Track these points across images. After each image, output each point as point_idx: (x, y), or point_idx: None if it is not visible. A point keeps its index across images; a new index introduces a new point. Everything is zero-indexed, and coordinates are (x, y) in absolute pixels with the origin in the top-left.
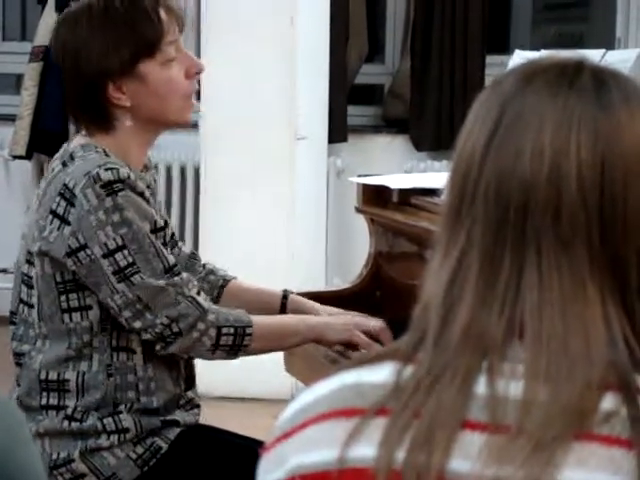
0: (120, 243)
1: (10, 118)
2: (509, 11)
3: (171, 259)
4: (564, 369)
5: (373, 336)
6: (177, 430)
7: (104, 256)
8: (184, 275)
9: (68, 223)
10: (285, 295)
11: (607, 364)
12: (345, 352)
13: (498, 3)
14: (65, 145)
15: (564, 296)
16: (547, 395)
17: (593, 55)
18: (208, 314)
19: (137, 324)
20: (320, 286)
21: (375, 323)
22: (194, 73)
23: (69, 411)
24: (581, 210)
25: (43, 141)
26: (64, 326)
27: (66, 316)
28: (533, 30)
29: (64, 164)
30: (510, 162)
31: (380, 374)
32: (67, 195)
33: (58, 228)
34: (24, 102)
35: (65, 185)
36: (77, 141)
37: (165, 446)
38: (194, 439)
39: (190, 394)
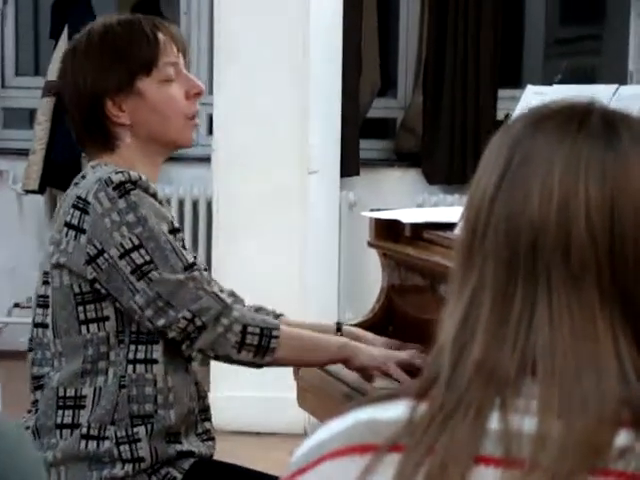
0: (136, 242)
1: (23, 153)
2: (521, 45)
3: (190, 257)
4: (577, 405)
5: (405, 367)
6: (191, 460)
7: (121, 256)
8: (204, 272)
9: (83, 231)
10: (339, 327)
11: (620, 400)
12: (359, 387)
13: (510, 37)
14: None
15: (575, 333)
16: (561, 430)
17: (606, 90)
18: (232, 310)
19: (160, 322)
20: (332, 319)
21: (406, 354)
22: (194, 94)
23: (84, 429)
24: (590, 250)
25: (56, 175)
26: (80, 338)
27: (83, 327)
28: (545, 64)
29: (76, 184)
30: (519, 203)
31: (394, 411)
32: (81, 205)
33: (75, 238)
34: (37, 137)
35: (78, 197)
36: (88, 166)
37: (179, 476)
38: (208, 470)
39: (207, 425)
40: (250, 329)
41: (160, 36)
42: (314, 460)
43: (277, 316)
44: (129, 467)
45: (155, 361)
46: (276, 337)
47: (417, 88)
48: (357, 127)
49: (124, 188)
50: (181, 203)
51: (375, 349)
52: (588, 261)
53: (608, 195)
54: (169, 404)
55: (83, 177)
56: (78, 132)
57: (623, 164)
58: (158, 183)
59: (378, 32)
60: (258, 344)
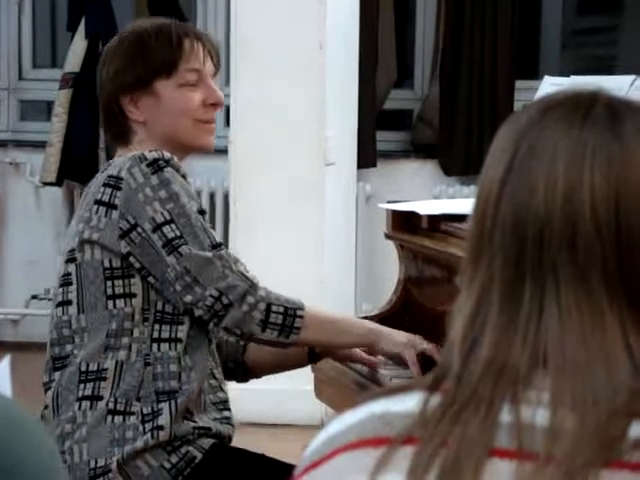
0: (168, 217)
1: (41, 145)
2: (538, 36)
3: (217, 237)
4: (589, 397)
5: (428, 356)
6: (211, 441)
7: (153, 230)
8: (231, 252)
9: (115, 207)
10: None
11: (632, 392)
12: (374, 377)
13: (527, 28)
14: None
15: (584, 326)
16: (574, 422)
17: (624, 81)
18: (258, 288)
19: (188, 298)
20: (350, 311)
21: (430, 345)
22: (210, 104)
23: (111, 404)
24: (596, 241)
25: (73, 168)
26: (107, 312)
27: (110, 302)
28: (562, 55)
29: (103, 171)
30: (525, 196)
31: (407, 403)
32: (112, 182)
33: (106, 214)
34: (54, 129)
35: (109, 175)
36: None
37: (200, 455)
38: (227, 454)
39: (227, 413)
40: (274, 307)
41: (186, 42)
42: (327, 453)
43: None
44: (148, 436)
45: (180, 340)
46: (300, 317)
47: (434, 79)
48: (374, 119)
49: (157, 165)
50: (198, 195)
51: (399, 335)
52: (594, 253)
53: (613, 186)
54: (191, 379)
55: (110, 164)
56: (103, 122)
57: (628, 154)
58: None
59: (395, 23)
60: (282, 323)
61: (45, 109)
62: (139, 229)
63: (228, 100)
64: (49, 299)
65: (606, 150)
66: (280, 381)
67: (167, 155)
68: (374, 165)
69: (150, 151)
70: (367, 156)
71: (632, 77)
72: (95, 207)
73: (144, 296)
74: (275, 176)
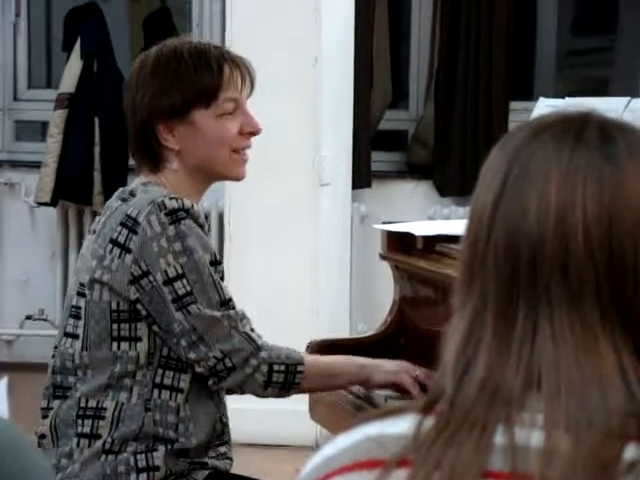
0: (180, 271)
1: (35, 165)
2: (533, 57)
3: (227, 292)
4: (584, 419)
5: (420, 383)
6: (205, 472)
7: (165, 283)
8: (239, 310)
9: (129, 251)
10: None
11: (626, 414)
12: (369, 397)
13: (522, 49)
14: (121, 188)
15: (578, 348)
16: (569, 445)
17: (618, 103)
18: (261, 351)
19: (192, 355)
20: (344, 332)
21: (422, 371)
22: (248, 132)
23: (107, 445)
24: (589, 264)
25: (68, 188)
26: (111, 353)
27: (115, 344)
28: (557, 76)
29: (124, 200)
30: (517, 219)
31: (401, 425)
32: (130, 224)
33: (119, 256)
34: (49, 149)
35: (128, 215)
36: (137, 181)
37: None
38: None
39: (223, 449)
40: (276, 367)
41: (226, 69)
42: (322, 476)
43: None
44: (143, 477)
45: (181, 390)
46: (301, 372)
47: (429, 100)
48: (369, 139)
49: (176, 216)
50: None
51: (389, 363)
52: (587, 276)
53: (605, 209)
54: (189, 433)
55: (132, 194)
56: (131, 144)
57: (620, 177)
58: None
59: (390, 44)
60: (284, 381)
61: (40, 129)
62: (150, 277)
63: None
64: (44, 319)
65: (598, 172)
66: (274, 401)
67: (187, 204)
68: (369, 185)
69: (171, 199)
70: (362, 176)
71: (627, 99)
72: (110, 246)
73: (150, 341)
74: (270, 196)
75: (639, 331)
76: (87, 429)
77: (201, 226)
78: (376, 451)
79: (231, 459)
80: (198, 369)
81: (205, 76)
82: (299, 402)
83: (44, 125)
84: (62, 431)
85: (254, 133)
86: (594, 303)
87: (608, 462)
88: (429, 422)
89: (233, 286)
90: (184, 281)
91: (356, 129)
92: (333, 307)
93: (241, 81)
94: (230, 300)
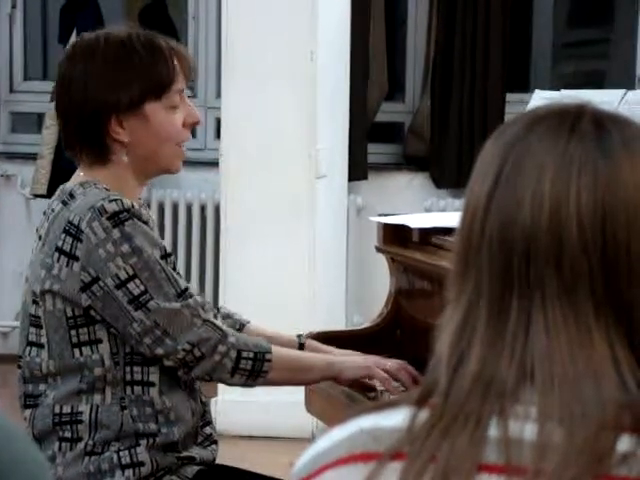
0: (131, 272)
1: (31, 157)
2: (529, 49)
3: (182, 283)
4: (577, 411)
5: (392, 375)
6: (195, 468)
7: (117, 287)
8: (197, 297)
9: (76, 258)
10: (301, 343)
11: (619, 405)
12: (365, 389)
13: (518, 41)
14: (62, 186)
15: (571, 341)
16: (562, 437)
17: (614, 95)
18: (228, 337)
19: (159, 351)
20: (340, 324)
21: (393, 362)
22: (190, 123)
23: (89, 447)
24: (582, 257)
25: (64, 180)
26: (74, 361)
27: (76, 351)
28: (553, 68)
29: (64, 202)
30: (511, 211)
31: (396, 418)
32: (72, 231)
33: (67, 264)
34: (45, 141)
35: (70, 222)
36: (74, 180)
37: None
38: (214, 477)
39: (208, 430)
40: (244, 354)
41: (175, 60)
42: (316, 469)
43: (243, 325)
44: (129, 473)
45: (152, 383)
46: (269, 360)
47: (425, 92)
48: (365, 131)
49: (119, 218)
50: (189, 207)
51: (358, 357)
52: (580, 269)
53: (600, 201)
54: (171, 422)
55: (71, 195)
56: (70, 137)
57: (614, 169)
58: (166, 187)
59: (386, 36)
60: (251, 369)
61: (36, 121)
62: (101, 283)
63: (219, 113)
64: None
65: (592, 165)
66: (270, 393)
67: (127, 204)
68: (365, 178)
69: (110, 201)
70: (358, 169)
71: (622, 91)
72: (56, 255)
73: (110, 341)
74: (266, 189)
75: (632, 323)
76: (68, 434)
77: (146, 222)
78: (371, 444)
79: (216, 442)
80: (167, 363)
81: (160, 68)
82: (295, 394)
83: (40, 117)
84: (42, 438)
85: (195, 124)
86: (588, 295)
87: (602, 454)
88: (423, 415)
89: (229, 277)
90: (137, 281)
91: (352, 121)
92: (329, 299)
93: (187, 72)
94: (187, 289)
